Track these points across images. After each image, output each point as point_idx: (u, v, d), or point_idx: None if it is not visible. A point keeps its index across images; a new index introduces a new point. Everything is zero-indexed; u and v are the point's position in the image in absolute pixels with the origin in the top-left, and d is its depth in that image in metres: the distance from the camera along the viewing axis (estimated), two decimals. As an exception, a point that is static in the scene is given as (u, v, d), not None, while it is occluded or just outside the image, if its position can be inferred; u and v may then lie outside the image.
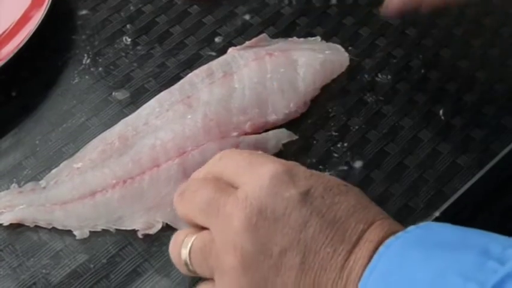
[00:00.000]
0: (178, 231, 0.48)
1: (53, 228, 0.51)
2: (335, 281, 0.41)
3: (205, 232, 0.45)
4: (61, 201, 0.51)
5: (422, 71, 0.61)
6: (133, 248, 0.50)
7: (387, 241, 0.41)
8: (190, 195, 0.46)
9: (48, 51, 0.61)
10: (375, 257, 0.41)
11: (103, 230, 0.51)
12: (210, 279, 0.46)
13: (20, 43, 0.58)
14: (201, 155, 0.52)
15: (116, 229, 0.51)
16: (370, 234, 0.42)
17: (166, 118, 0.54)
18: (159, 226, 0.51)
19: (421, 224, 0.42)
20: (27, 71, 0.59)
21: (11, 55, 0.57)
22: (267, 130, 0.56)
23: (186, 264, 0.45)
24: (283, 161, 0.46)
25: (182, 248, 0.45)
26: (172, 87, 0.57)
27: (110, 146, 0.53)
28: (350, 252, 0.41)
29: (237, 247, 0.42)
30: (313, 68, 0.58)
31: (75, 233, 0.51)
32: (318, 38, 0.62)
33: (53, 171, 0.53)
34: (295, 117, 0.57)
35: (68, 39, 0.62)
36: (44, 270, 0.49)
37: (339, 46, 0.61)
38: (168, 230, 0.51)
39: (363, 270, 0.41)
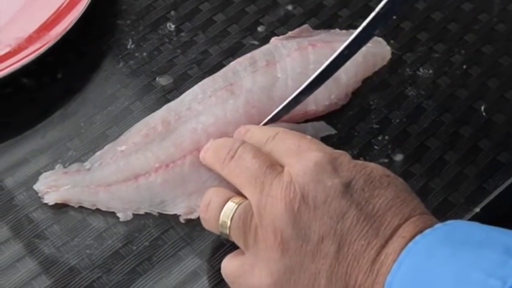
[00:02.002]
0: (217, 190, 0.48)
1: (97, 209, 0.52)
2: (366, 273, 0.42)
3: (248, 204, 0.46)
4: (105, 183, 0.52)
5: (464, 66, 0.61)
6: (175, 232, 0.51)
7: (416, 238, 0.42)
8: (241, 161, 0.47)
9: (93, 35, 0.62)
10: (403, 252, 0.41)
11: (146, 213, 0.52)
12: (239, 251, 0.47)
13: (67, 26, 0.58)
14: None
15: (159, 213, 0.52)
16: (404, 230, 0.43)
17: (209, 104, 0.55)
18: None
19: (448, 222, 0.42)
20: (73, 53, 0.60)
21: (58, 38, 0.58)
22: (306, 120, 0.57)
23: (222, 227, 0.46)
24: (330, 149, 0.46)
25: (223, 213, 0.46)
26: (215, 75, 0.57)
27: (152, 130, 0.54)
28: (383, 246, 0.42)
29: (277, 230, 0.43)
30: (356, 60, 0.58)
31: (118, 215, 0.52)
32: None
33: (97, 153, 0.54)
34: (335, 109, 0.58)
35: (113, 23, 0.63)
36: (87, 251, 0.50)
37: (381, 39, 0.61)
38: (209, 215, 0.52)
39: (393, 265, 0.41)
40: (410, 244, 0.41)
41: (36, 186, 0.52)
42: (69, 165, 0.54)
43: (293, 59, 0.58)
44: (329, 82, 0.57)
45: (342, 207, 0.43)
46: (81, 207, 0.52)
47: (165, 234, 0.51)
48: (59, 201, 0.52)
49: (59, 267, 0.49)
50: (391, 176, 0.45)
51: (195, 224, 0.51)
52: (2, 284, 0.48)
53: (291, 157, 0.46)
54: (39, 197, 0.52)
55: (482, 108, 0.58)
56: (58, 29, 0.59)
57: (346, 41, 0.60)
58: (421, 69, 0.61)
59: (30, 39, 0.58)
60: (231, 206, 0.46)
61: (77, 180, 0.52)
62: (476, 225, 0.43)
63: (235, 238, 0.46)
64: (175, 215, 0.52)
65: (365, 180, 0.44)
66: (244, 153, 0.47)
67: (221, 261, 0.49)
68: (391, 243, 0.42)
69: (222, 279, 0.48)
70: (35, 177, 0.53)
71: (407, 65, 0.61)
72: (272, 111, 0.55)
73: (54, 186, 0.52)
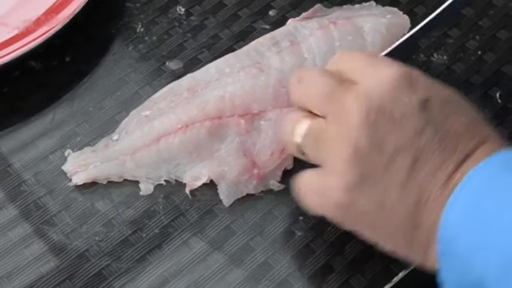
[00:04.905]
0: (290, 113, 0.47)
1: (106, 196, 0.51)
2: (440, 188, 0.42)
3: (321, 119, 0.45)
4: (132, 151, 0.52)
5: (479, 52, 0.60)
6: (185, 219, 0.50)
7: (485, 159, 0.41)
8: (310, 81, 0.46)
9: (102, 18, 0.61)
10: (470, 172, 0.41)
11: (156, 201, 0.51)
12: (315, 168, 0.46)
13: (75, 9, 0.57)
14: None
15: (170, 199, 0.51)
16: (480, 153, 0.42)
17: (238, 78, 0.54)
18: (204, 179, 0.51)
19: None
20: (81, 37, 0.59)
21: (67, 20, 0.57)
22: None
23: (298, 146, 0.46)
24: (405, 66, 0.45)
25: (296, 131, 0.46)
26: (237, 52, 0.56)
27: (178, 96, 0.53)
28: (458, 166, 0.42)
29: (351, 140, 0.43)
30: (380, 33, 0.57)
31: (140, 186, 0.51)
32: (373, 2, 0.61)
33: (122, 122, 0.54)
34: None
35: (122, 6, 0.61)
36: (96, 238, 0.49)
37: (396, 9, 0.60)
38: (220, 203, 0.51)
39: None
40: (480, 164, 0.41)
41: (65, 167, 0.52)
42: (78, 150, 0.53)
43: (317, 38, 0.56)
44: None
45: (418, 124, 0.43)
46: (90, 193, 0.51)
47: (175, 221, 0.50)
48: (88, 180, 0.51)
49: (68, 254, 0.49)
50: (467, 103, 0.45)
51: (205, 211, 0.51)
52: (10, 270, 0.48)
53: (363, 73, 0.45)
54: (50, 182, 0.52)
55: (498, 94, 0.57)
56: (66, 11, 0.57)
57: (364, 15, 0.59)
58: (435, 55, 0.60)
59: (38, 22, 0.57)
60: (301, 125, 0.46)
61: (106, 155, 0.52)
62: None
63: (310, 154, 0.46)
64: (185, 201, 0.51)
65: (442, 100, 0.44)
66: (312, 75, 0.46)
67: (231, 249, 0.49)
68: (466, 164, 0.42)
69: (233, 269, 0.48)
70: (43, 163, 0.53)
71: (421, 50, 0.60)
72: None
73: (83, 165, 0.52)
